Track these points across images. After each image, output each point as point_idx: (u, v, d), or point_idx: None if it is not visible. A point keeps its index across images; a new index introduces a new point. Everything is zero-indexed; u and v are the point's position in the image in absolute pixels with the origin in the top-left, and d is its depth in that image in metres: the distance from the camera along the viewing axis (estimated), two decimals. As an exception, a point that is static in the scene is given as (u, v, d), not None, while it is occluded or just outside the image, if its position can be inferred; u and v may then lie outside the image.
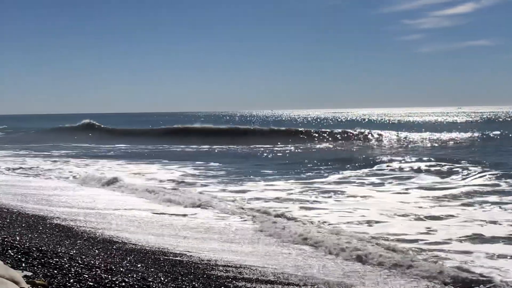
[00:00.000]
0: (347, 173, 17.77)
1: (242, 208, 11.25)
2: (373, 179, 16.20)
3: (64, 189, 14.36)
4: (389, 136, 37.52)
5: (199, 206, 11.56)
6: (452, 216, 10.40)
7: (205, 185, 15.17)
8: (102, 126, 51.06)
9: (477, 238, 8.63)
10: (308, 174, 17.86)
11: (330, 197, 12.93)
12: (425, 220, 10.09)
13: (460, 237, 8.66)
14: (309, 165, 20.42)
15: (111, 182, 15.03)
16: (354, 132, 39.16)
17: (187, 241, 8.40)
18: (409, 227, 9.45)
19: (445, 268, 6.78)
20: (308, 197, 12.87)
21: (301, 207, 11.52)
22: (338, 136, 38.25)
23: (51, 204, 11.40)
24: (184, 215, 10.72)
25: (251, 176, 17.10)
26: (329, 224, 9.74)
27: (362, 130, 39.76)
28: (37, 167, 19.83)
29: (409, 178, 16.38)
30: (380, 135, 37.91)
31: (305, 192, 13.70)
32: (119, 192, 14.00)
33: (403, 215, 10.53)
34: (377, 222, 9.93)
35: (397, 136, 37.75)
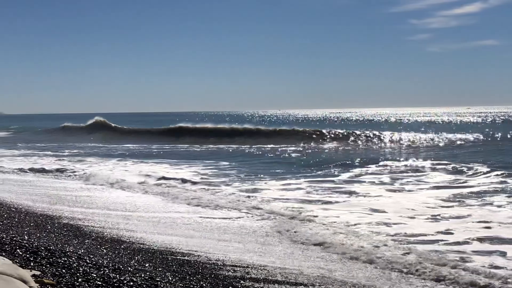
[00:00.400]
0: (356, 172, 17.85)
1: (257, 208, 11.29)
2: (383, 178, 16.28)
3: (91, 190, 14.23)
4: (396, 136, 37.40)
5: (218, 207, 11.57)
6: (467, 216, 10.35)
7: (218, 185, 15.09)
8: (113, 125, 50.55)
9: (496, 239, 8.56)
10: (318, 173, 17.95)
11: (343, 196, 12.97)
12: (442, 221, 10.04)
13: (479, 238, 8.60)
14: (318, 165, 20.46)
15: (130, 183, 15.13)
16: (361, 132, 39.14)
17: (198, 241, 8.40)
18: (427, 228, 9.40)
19: (472, 273, 6.68)
20: (322, 197, 12.90)
21: (316, 208, 11.47)
22: (344, 136, 38.17)
23: (89, 207, 11.34)
24: (215, 218, 10.58)
25: (262, 175, 17.18)
26: (349, 225, 9.66)
27: (368, 132, 39.71)
28: (52, 167, 19.45)
29: (418, 177, 16.39)
30: (387, 135, 37.83)
31: (318, 191, 13.74)
32: (142, 193, 13.80)
33: (419, 215, 10.50)
34: (395, 223, 9.79)
35: (403, 136, 37.63)
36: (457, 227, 9.36)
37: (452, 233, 8.95)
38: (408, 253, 7.60)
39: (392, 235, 8.84)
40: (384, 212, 10.85)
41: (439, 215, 10.48)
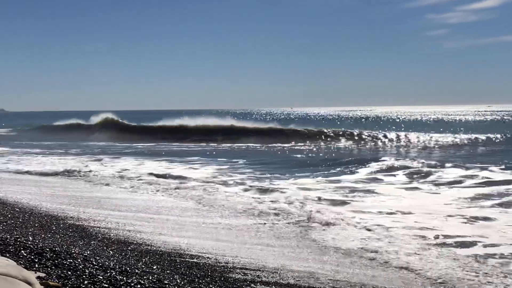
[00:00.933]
0: (373, 171, 18.13)
1: (277, 209, 11.39)
2: (401, 178, 16.57)
3: (108, 191, 14.18)
4: (410, 135, 37.37)
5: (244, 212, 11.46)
6: (495, 218, 10.38)
7: (235, 185, 15.13)
8: (122, 121, 50.04)
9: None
10: (334, 171, 18.29)
11: (364, 196, 13.11)
12: (472, 222, 10.04)
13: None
14: (332, 164, 20.68)
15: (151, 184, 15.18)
16: (373, 133, 39.21)
17: (211, 243, 8.42)
18: (461, 230, 9.41)
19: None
20: (342, 197, 13.02)
21: (339, 209, 11.45)
22: (356, 135, 38.22)
23: (99, 207, 11.38)
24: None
25: (279, 174, 17.52)
26: (382, 228, 9.57)
27: (381, 131, 39.73)
28: (62, 168, 19.00)
29: (435, 177, 16.50)
30: (401, 134, 37.86)
31: (337, 191, 13.91)
32: (167, 196, 13.59)
33: (448, 216, 10.50)
34: (427, 226, 9.72)
35: (417, 135, 37.57)
36: (489, 229, 9.41)
37: (487, 237, 8.91)
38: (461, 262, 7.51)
39: (430, 239, 8.76)
40: (411, 213, 10.85)
41: (467, 215, 10.51)
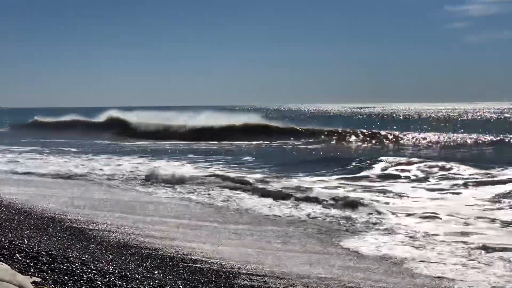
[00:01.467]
0: (390, 169, 18.36)
1: (296, 208, 11.63)
2: (417, 177, 16.79)
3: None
4: (426, 135, 37.25)
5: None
6: None
7: (248, 187, 15.09)
8: (128, 119, 49.62)
9: None
10: (352, 170, 18.59)
11: (384, 196, 13.32)
12: (507, 226, 10.00)
13: None
14: (348, 162, 20.72)
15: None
16: (386, 131, 39.20)
17: (215, 248, 8.44)
18: (497, 234, 9.40)
19: None
20: (361, 195, 13.15)
21: (366, 210, 11.50)
22: (367, 134, 38.21)
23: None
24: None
25: (293, 173, 17.72)
26: (418, 233, 9.53)
27: (393, 131, 39.73)
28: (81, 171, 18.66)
29: (451, 176, 16.58)
30: (415, 133, 37.76)
31: (356, 190, 14.15)
32: (173, 196, 13.66)
33: (477, 218, 10.51)
34: (461, 230, 9.69)
35: (435, 135, 37.41)
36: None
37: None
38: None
39: (471, 244, 8.65)
40: (438, 215, 10.83)
41: (497, 219, 10.46)
